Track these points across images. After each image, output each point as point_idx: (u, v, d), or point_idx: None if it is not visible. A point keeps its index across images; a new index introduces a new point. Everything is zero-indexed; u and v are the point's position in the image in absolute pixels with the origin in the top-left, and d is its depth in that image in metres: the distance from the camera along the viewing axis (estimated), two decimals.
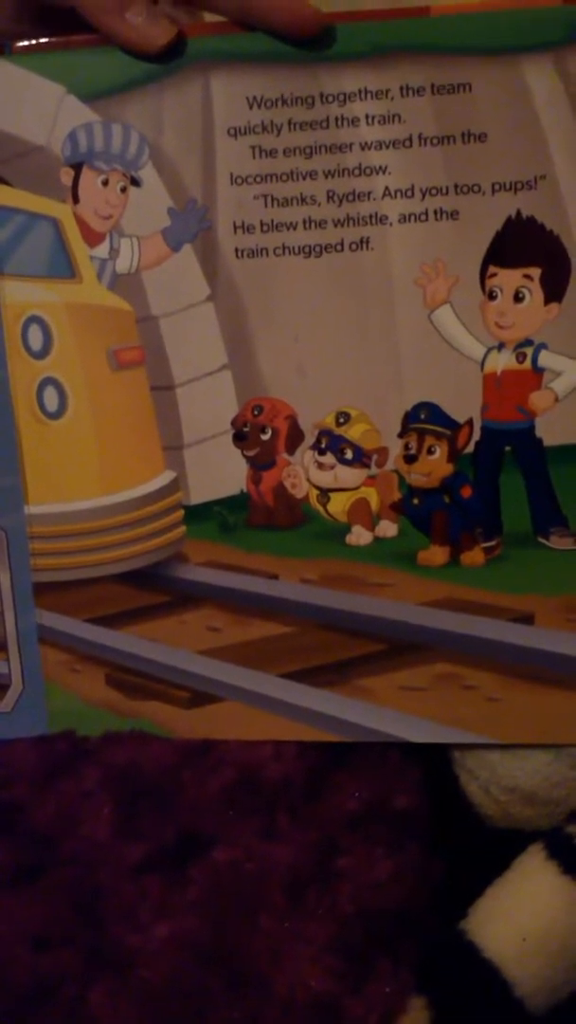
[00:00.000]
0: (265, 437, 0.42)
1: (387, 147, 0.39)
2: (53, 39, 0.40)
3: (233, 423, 0.42)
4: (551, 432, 0.41)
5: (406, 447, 0.42)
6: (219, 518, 0.43)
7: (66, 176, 0.41)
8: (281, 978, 0.38)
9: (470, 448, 0.41)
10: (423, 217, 0.40)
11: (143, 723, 0.44)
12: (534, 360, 0.41)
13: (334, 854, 0.41)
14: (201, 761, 0.42)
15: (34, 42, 0.40)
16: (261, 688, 0.43)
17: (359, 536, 0.43)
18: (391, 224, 0.40)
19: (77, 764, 0.42)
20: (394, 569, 0.42)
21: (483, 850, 0.44)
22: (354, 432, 0.42)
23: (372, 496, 0.42)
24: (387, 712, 0.43)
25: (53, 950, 0.39)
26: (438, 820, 0.44)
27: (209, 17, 0.42)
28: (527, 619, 0.42)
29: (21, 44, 0.40)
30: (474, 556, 0.42)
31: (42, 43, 0.40)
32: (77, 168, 0.41)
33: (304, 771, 0.43)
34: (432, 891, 0.43)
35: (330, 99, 0.39)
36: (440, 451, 0.42)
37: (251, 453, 0.43)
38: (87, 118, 0.41)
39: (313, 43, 0.39)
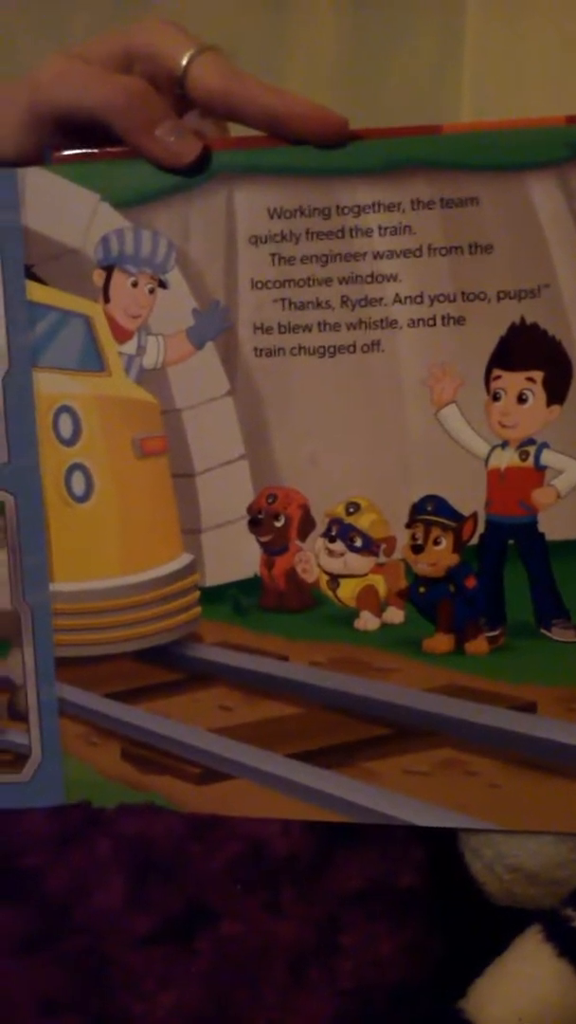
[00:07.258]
0: (279, 524, 0.44)
1: (398, 256, 0.42)
2: (90, 151, 0.43)
3: (249, 510, 0.44)
4: (553, 527, 0.42)
5: (413, 537, 0.43)
6: (233, 600, 0.45)
7: (98, 277, 0.44)
8: None
9: (475, 540, 0.43)
10: (431, 322, 0.42)
11: (155, 796, 0.45)
12: (536, 458, 0.42)
13: (336, 930, 0.42)
14: (210, 835, 0.44)
15: (72, 153, 0.43)
16: (269, 767, 0.44)
17: (367, 621, 0.44)
18: (401, 328, 0.42)
19: (90, 834, 0.44)
20: (400, 655, 0.44)
21: (485, 928, 0.44)
22: (363, 521, 0.44)
23: (380, 583, 0.44)
24: (391, 795, 0.43)
25: (60, 1016, 0.40)
26: (440, 897, 0.45)
27: (234, 129, 0.44)
28: (529, 708, 0.43)
29: (61, 155, 0.43)
30: (478, 645, 0.43)
31: (79, 154, 0.43)
32: (109, 270, 0.44)
33: (310, 847, 0.44)
34: (432, 969, 0.43)
35: (345, 211, 0.42)
36: (446, 542, 0.43)
37: (265, 539, 0.44)
38: (119, 224, 0.43)
39: (338, 147, 0.41)
